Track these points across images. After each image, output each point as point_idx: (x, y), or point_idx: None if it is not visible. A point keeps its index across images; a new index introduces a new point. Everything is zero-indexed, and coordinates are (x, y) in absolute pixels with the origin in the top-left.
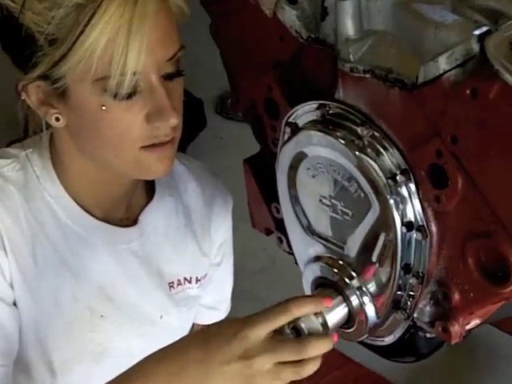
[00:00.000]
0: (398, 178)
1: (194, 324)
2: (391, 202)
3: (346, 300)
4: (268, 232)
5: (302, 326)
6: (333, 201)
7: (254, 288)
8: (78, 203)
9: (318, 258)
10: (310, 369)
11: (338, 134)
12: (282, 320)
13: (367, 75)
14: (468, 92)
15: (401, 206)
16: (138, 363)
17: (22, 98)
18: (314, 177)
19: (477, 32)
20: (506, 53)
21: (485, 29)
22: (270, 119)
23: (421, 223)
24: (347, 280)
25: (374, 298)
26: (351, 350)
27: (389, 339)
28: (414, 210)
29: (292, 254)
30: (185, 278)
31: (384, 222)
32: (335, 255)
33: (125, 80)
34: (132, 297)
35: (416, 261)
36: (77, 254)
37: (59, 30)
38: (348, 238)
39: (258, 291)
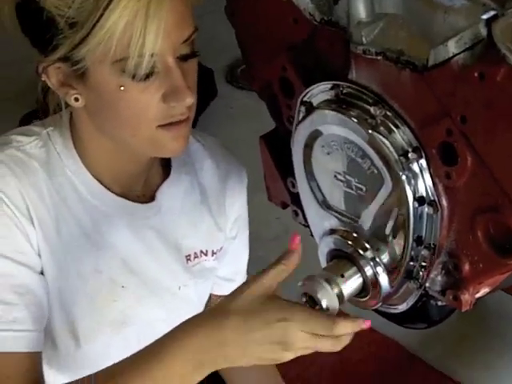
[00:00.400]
0: (409, 155)
1: (211, 295)
2: (403, 178)
3: (361, 270)
4: (284, 205)
5: (319, 296)
6: (347, 177)
7: (268, 255)
8: (97, 179)
9: (332, 231)
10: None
11: (352, 113)
12: (321, 331)
13: (379, 57)
14: (476, 75)
15: (412, 182)
16: (173, 331)
17: (43, 79)
18: (328, 154)
19: (484, 16)
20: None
21: (492, 13)
22: (285, 98)
23: (432, 198)
24: (361, 251)
25: (388, 268)
26: (365, 316)
27: (402, 307)
28: (425, 185)
29: (307, 226)
30: (201, 251)
31: (397, 197)
32: (349, 228)
33: (143, 61)
34: (151, 269)
35: (428, 233)
36: (98, 227)
37: (79, 13)
38: (362, 212)
39: (271, 258)
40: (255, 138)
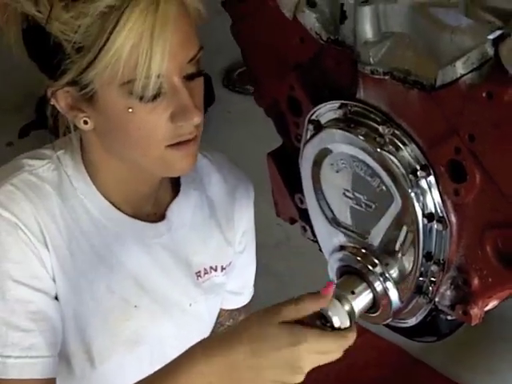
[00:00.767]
0: (418, 172)
1: (220, 310)
2: (412, 195)
3: (371, 286)
4: (292, 221)
5: (330, 314)
6: (356, 194)
7: (270, 262)
8: (109, 200)
9: (342, 248)
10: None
11: (360, 131)
12: (334, 350)
13: (387, 77)
14: (484, 95)
15: (421, 199)
16: (186, 354)
17: (52, 103)
18: (337, 172)
19: (491, 36)
20: None
21: (498, 33)
22: (292, 116)
23: (441, 214)
24: (371, 267)
25: (398, 283)
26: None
27: (411, 321)
28: (434, 202)
29: (316, 241)
30: (211, 267)
31: (406, 214)
32: (358, 244)
33: (150, 83)
34: (163, 287)
35: (437, 249)
36: (110, 248)
37: (86, 38)
38: (371, 229)
39: (273, 265)
40: (254, 142)
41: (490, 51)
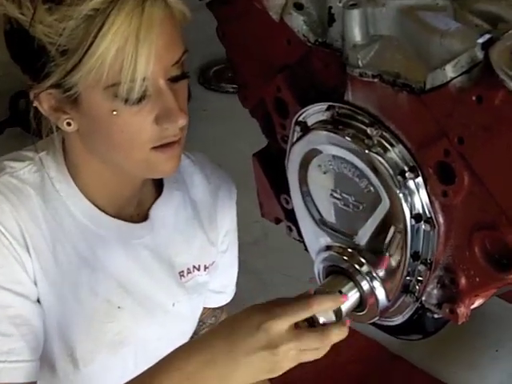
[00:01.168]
0: (406, 174)
1: (203, 308)
2: (400, 196)
3: (357, 285)
4: (277, 221)
5: (317, 316)
6: (344, 195)
7: (248, 259)
8: (91, 202)
9: (328, 247)
10: (327, 349)
11: (348, 133)
12: (302, 315)
13: (376, 80)
14: (474, 98)
15: (409, 200)
16: (168, 355)
17: (34, 105)
18: (325, 173)
19: (480, 40)
20: (508, 62)
21: (487, 37)
22: (279, 118)
23: (429, 215)
24: (357, 266)
25: (385, 282)
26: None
27: (398, 320)
28: (421, 203)
29: (302, 241)
30: (193, 266)
31: (394, 215)
32: (345, 244)
33: (135, 86)
34: (146, 288)
35: (424, 249)
36: (93, 250)
37: (70, 40)
38: (359, 229)
39: (252, 262)
40: (230, 139)
41: (480, 55)
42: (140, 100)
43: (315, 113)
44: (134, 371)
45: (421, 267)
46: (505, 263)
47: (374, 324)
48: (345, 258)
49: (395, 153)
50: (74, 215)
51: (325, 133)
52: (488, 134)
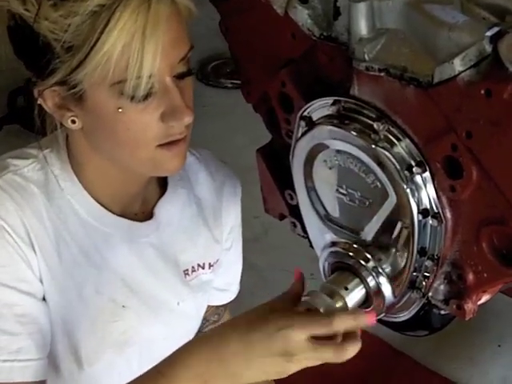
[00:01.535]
0: (413, 169)
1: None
2: (408, 191)
3: (363, 282)
4: (281, 217)
5: (322, 311)
6: (350, 191)
7: (249, 256)
8: (96, 200)
9: (334, 244)
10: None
11: (355, 128)
12: (321, 331)
13: (382, 74)
14: (482, 92)
15: (417, 195)
16: (178, 350)
17: (38, 102)
18: (330, 168)
19: (489, 33)
20: None
21: (496, 29)
22: (283, 113)
23: (436, 210)
24: (363, 262)
25: (391, 278)
26: None
27: (404, 316)
28: (429, 198)
29: (306, 237)
30: (198, 264)
31: (401, 210)
32: (351, 240)
33: (141, 83)
34: (151, 286)
35: (431, 244)
36: (98, 248)
37: (75, 37)
38: (365, 225)
39: (252, 259)
40: (229, 135)
41: (488, 48)
42: (146, 97)
43: (320, 107)
44: (138, 371)
45: (428, 263)
46: None
47: (379, 320)
48: (350, 254)
49: (402, 147)
50: (79, 213)
51: (330, 128)
52: (497, 129)
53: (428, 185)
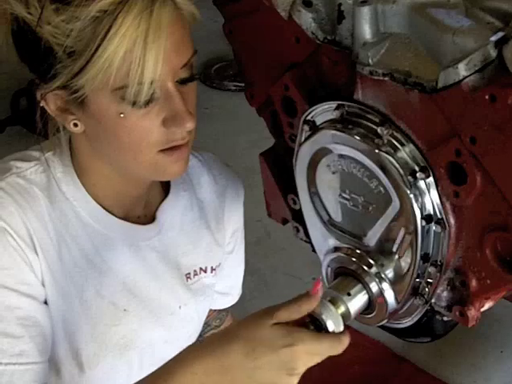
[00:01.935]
0: (417, 174)
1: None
2: (411, 196)
3: (366, 287)
4: (284, 221)
5: (323, 317)
6: (353, 195)
7: (251, 259)
8: (98, 203)
9: (337, 249)
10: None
11: (358, 133)
12: (328, 353)
13: (386, 78)
14: (487, 97)
15: (420, 200)
16: (179, 357)
17: (41, 105)
18: (334, 173)
19: (493, 38)
20: None
21: (500, 34)
22: (287, 116)
23: (439, 216)
24: (366, 268)
25: (394, 284)
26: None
27: (407, 322)
28: (432, 203)
29: (309, 242)
30: (200, 268)
31: (404, 216)
32: (354, 245)
33: (143, 89)
34: (152, 290)
35: (434, 250)
36: (100, 252)
37: (77, 42)
38: (368, 230)
39: (255, 262)
40: (231, 138)
41: (493, 53)
42: (148, 103)
43: (324, 112)
44: (139, 374)
45: (431, 269)
46: None
47: (382, 326)
48: (353, 259)
49: (406, 152)
50: (81, 216)
51: (334, 132)
52: (501, 134)
53: (432, 190)
